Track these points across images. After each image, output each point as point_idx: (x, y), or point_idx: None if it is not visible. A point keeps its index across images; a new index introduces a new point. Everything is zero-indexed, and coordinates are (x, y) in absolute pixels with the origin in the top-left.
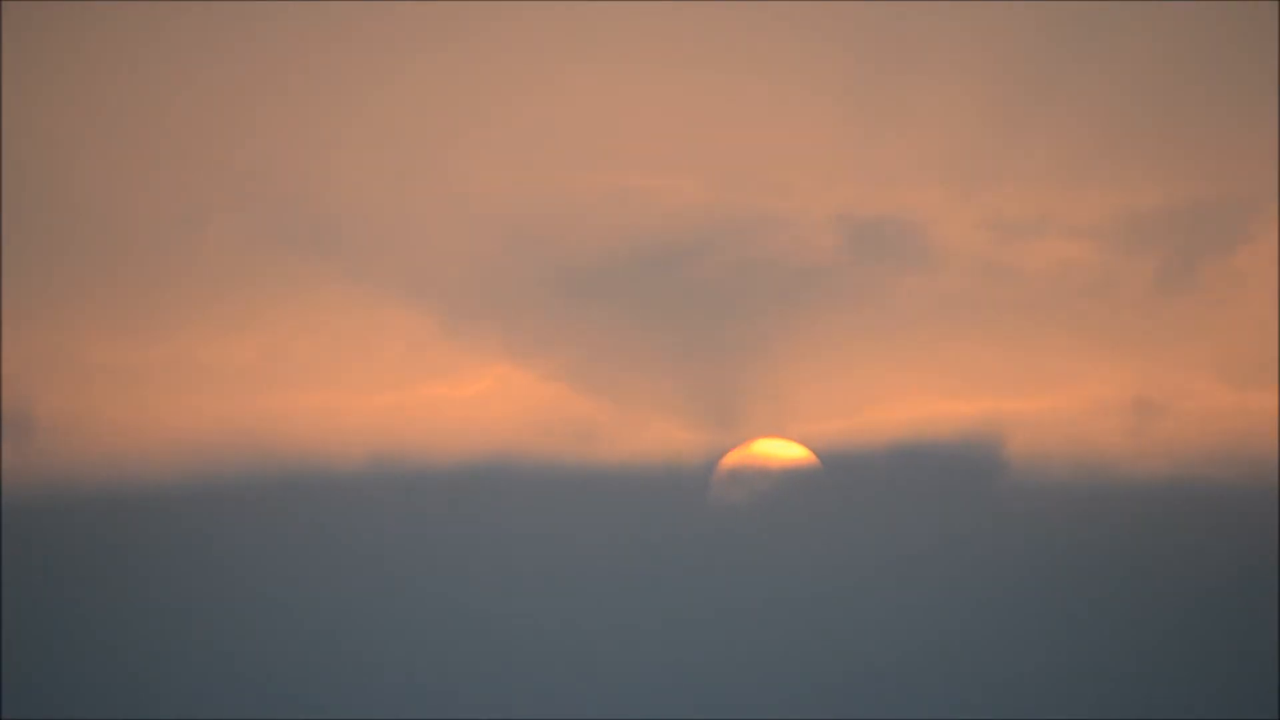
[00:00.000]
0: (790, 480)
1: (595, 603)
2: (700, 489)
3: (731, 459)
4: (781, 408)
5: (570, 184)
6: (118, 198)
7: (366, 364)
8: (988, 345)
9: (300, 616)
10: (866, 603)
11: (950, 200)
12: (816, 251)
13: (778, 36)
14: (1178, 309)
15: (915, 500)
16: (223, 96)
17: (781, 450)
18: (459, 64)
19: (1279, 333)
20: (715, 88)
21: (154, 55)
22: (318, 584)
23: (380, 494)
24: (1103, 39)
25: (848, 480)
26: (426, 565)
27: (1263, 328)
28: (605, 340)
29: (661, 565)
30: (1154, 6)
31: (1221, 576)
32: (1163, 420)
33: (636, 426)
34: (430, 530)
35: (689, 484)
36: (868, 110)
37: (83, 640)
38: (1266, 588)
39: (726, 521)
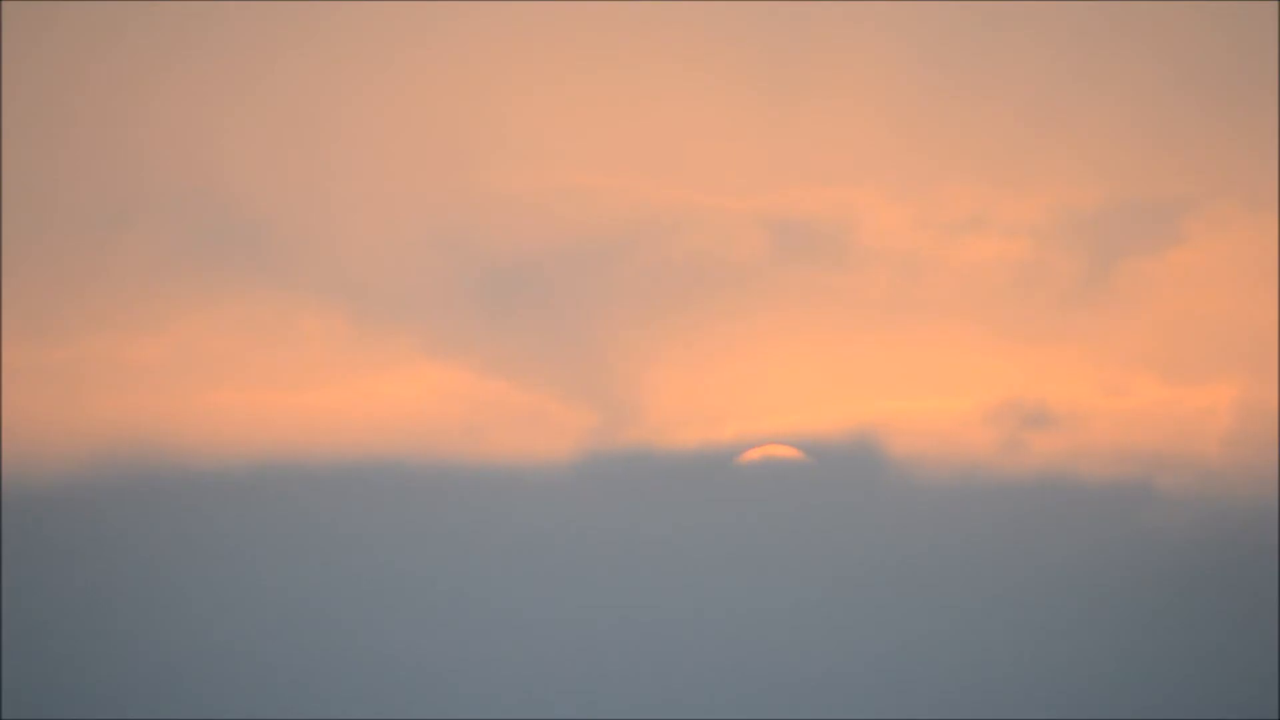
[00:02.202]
0: (720, 476)
1: (508, 602)
2: (615, 485)
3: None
4: (698, 406)
5: (493, 183)
6: (31, 198)
7: (281, 363)
8: (909, 344)
9: (216, 615)
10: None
11: (879, 200)
12: (744, 250)
13: (706, 35)
14: (1110, 306)
15: (825, 501)
16: (139, 99)
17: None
18: (381, 65)
19: None
20: (644, 87)
21: (68, 58)
22: (233, 583)
23: (295, 491)
24: (1043, 38)
25: (783, 477)
26: (343, 562)
27: (1199, 324)
28: (526, 338)
29: (553, 562)
30: (1094, 6)
31: (1199, 578)
32: (1097, 417)
33: (550, 421)
34: (342, 527)
35: (601, 480)
36: (798, 109)
37: None
38: (1226, 586)
39: (625, 519)
